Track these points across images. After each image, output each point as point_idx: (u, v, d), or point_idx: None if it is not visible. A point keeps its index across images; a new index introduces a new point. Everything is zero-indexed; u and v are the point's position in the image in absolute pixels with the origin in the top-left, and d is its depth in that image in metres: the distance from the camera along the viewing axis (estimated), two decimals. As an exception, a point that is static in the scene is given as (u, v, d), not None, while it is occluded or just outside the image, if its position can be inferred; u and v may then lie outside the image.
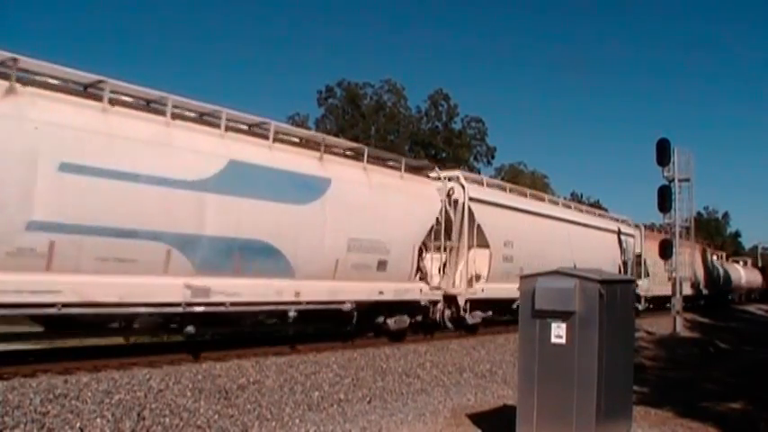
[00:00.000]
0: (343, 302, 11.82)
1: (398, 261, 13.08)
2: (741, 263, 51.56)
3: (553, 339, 6.51)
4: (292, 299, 10.90)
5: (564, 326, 6.46)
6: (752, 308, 41.85)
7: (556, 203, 20.94)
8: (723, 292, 40.19)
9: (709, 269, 37.28)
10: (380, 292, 12.64)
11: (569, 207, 22.11)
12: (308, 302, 11.15)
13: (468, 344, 14.05)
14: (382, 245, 12.63)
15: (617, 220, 25.37)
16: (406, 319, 13.56)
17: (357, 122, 40.61)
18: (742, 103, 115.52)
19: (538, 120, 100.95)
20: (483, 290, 15.34)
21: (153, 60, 79.80)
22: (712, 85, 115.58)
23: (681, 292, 21.77)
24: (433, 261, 14.56)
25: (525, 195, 19.21)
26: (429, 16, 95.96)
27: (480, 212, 15.39)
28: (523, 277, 7.02)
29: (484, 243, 15.56)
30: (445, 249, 14.81)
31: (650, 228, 30.88)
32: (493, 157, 44.86)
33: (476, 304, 15.21)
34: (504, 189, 18.28)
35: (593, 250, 20.93)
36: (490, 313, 15.95)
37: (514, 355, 10.91)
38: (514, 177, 43.71)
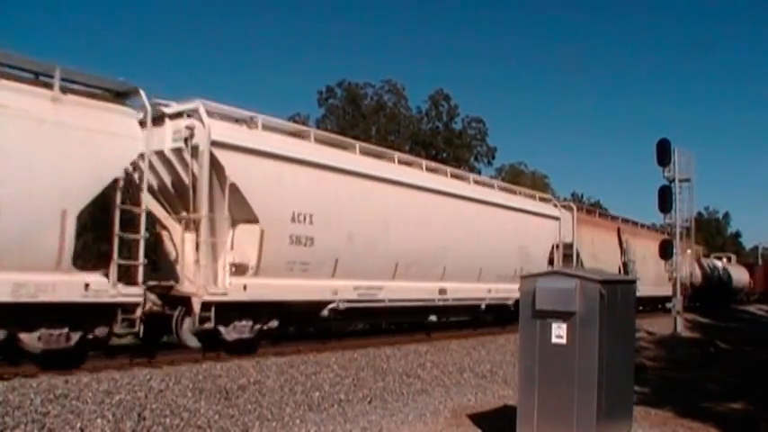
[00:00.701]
0: None
1: (18, 236, 7.95)
2: (725, 259, 43.87)
3: (554, 339, 6.51)
4: None
5: (564, 326, 6.46)
6: (752, 308, 41.74)
7: (419, 166, 15.04)
8: (709, 293, 34.60)
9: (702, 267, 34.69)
10: None
11: (445, 173, 15.91)
12: None
13: (468, 344, 14.04)
14: None
15: (533, 197, 19.60)
16: (66, 335, 8.58)
17: (358, 123, 40.62)
18: (742, 104, 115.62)
19: (538, 120, 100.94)
20: (246, 287, 10.35)
21: (154, 61, 79.83)
22: (713, 85, 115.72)
23: (680, 293, 21.79)
24: (194, 243, 10.30)
25: (354, 150, 13.00)
26: (429, 16, 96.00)
27: (238, 166, 10.23)
28: (524, 277, 7.02)
29: (254, 216, 10.59)
30: (192, 225, 10.39)
31: (590, 210, 25.55)
32: (493, 158, 44.76)
33: (240, 310, 10.41)
34: (303, 136, 12.07)
35: (483, 236, 15.79)
36: (276, 324, 11.09)
37: (515, 355, 10.90)
38: (515, 177, 43.74)
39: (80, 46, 75.01)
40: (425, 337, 14.58)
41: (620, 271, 23.59)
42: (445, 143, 42.62)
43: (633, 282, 8.87)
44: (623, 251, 25.01)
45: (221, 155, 10.09)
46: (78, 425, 6.67)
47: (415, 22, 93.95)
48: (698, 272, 33.90)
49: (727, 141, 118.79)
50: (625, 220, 27.48)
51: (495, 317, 17.11)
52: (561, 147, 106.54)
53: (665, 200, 20.84)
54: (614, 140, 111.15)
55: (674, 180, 20.74)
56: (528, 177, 48.97)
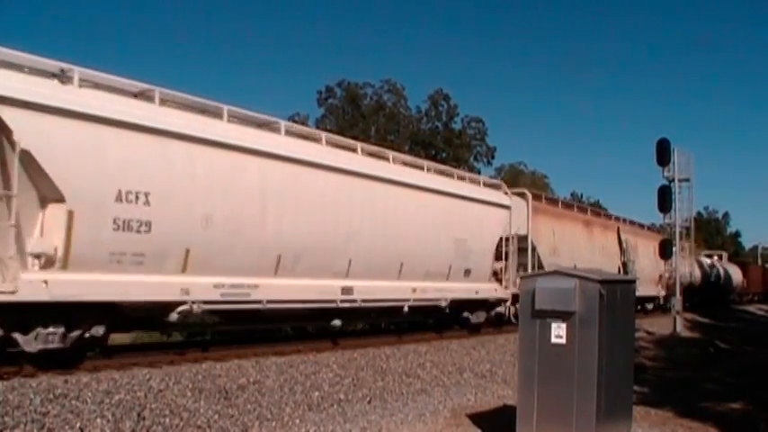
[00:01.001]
0: None
1: None
2: (716, 257, 41.93)
3: (553, 339, 6.51)
4: None
5: (564, 326, 6.46)
6: (752, 308, 41.72)
7: (318, 140, 12.35)
8: (701, 293, 32.49)
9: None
10: None
11: (355, 150, 13.06)
12: None
13: (468, 344, 14.03)
14: None
15: (477, 183, 17.00)
16: None
17: (357, 122, 40.61)
18: (742, 103, 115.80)
19: (538, 120, 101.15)
20: (48, 284, 8.00)
21: (155, 60, 79.80)
22: (712, 85, 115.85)
23: (680, 292, 21.82)
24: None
25: (221, 117, 10.31)
26: (429, 16, 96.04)
27: (33, 129, 7.91)
28: (523, 277, 7.03)
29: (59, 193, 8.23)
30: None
31: (551, 200, 22.87)
32: (493, 158, 44.79)
33: (45, 314, 8.11)
34: (148, 97, 9.47)
35: (405, 225, 13.38)
36: (103, 331, 8.84)
37: (514, 355, 10.90)
38: (515, 177, 43.77)
39: (80, 45, 75.05)
40: (425, 337, 14.57)
41: (619, 271, 23.61)
42: (445, 143, 42.66)
43: (633, 281, 8.88)
44: (623, 251, 24.98)
45: (7, 113, 7.73)
46: (78, 425, 6.67)
47: (415, 22, 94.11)
48: (697, 272, 32.90)
49: (727, 141, 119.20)
50: (596, 213, 25.85)
51: (435, 321, 15.33)
52: (561, 147, 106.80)
53: (665, 199, 20.86)
54: (614, 140, 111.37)
55: (673, 180, 20.77)
56: (528, 177, 49.04)
